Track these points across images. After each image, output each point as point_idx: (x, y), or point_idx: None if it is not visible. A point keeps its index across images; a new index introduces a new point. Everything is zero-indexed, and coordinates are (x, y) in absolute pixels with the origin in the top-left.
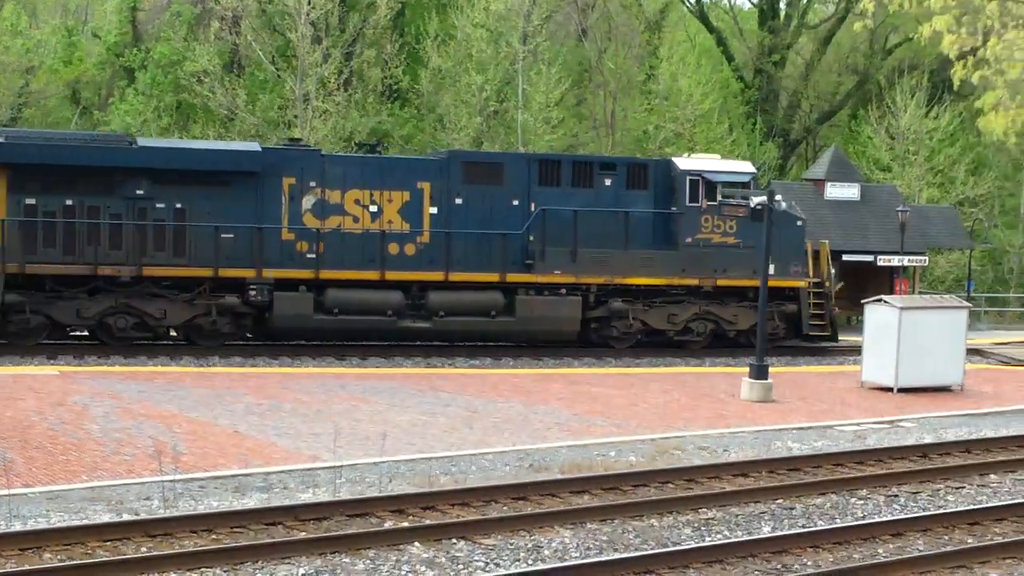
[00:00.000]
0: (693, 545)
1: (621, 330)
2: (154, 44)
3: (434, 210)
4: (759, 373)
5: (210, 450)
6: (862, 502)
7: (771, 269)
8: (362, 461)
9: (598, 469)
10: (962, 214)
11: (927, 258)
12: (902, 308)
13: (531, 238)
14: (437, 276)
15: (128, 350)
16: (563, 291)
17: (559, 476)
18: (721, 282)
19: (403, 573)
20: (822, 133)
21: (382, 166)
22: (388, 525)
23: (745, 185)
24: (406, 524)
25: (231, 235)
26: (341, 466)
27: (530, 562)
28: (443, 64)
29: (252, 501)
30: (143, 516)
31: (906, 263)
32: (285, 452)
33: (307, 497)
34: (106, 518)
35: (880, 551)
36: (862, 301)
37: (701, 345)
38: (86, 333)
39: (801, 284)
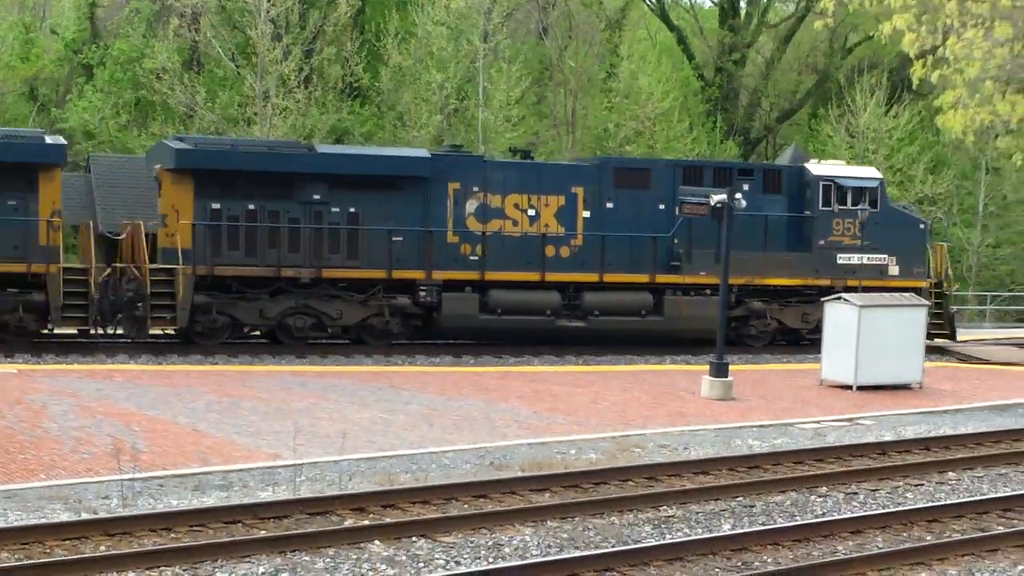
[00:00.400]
0: (653, 543)
1: (759, 329)
2: (113, 41)
3: (587, 214)
4: (719, 371)
5: (169, 448)
6: (822, 499)
7: (895, 271)
8: (322, 459)
9: (558, 467)
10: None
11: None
12: (861, 306)
13: (676, 240)
14: (592, 277)
15: (85, 348)
16: (707, 291)
17: (520, 474)
18: (851, 282)
19: (363, 571)
20: (782, 131)
21: (539, 172)
22: (348, 523)
23: (873, 190)
24: (366, 522)
25: (401, 238)
26: (301, 464)
27: (490, 560)
28: (403, 62)
29: (211, 499)
30: (102, 515)
31: (865, 261)
32: (245, 450)
33: (267, 495)
34: (64, 517)
35: (840, 548)
36: (822, 300)
37: None
38: (258, 333)
39: (923, 285)
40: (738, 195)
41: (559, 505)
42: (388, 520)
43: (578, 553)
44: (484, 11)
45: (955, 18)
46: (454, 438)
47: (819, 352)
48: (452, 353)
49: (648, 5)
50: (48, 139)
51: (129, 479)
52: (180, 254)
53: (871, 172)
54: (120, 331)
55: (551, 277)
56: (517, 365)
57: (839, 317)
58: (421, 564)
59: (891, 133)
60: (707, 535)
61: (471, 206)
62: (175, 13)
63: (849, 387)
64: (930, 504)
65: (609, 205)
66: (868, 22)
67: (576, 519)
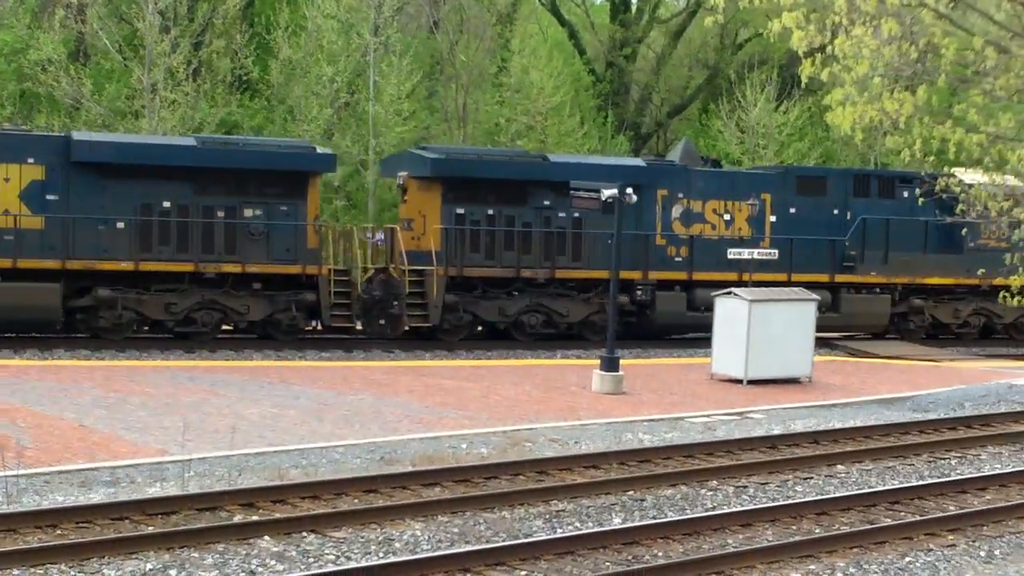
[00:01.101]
0: (544, 537)
1: (917, 323)
2: None
3: (773, 218)
4: (610, 365)
5: (55, 444)
6: (712, 493)
7: None
8: (211, 455)
9: (449, 461)
10: None
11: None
12: (751, 300)
13: (849, 243)
14: (782, 277)
15: None
16: (877, 290)
17: (410, 469)
18: (996, 281)
19: (252, 567)
20: (673, 127)
21: (733, 179)
22: (237, 519)
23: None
24: (256, 518)
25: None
26: (190, 460)
27: (381, 555)
28: (294, 55)
29: (98, 496)
30: None
31: (755, 255)
32: (132, 446)
33: (155, 491)
34: None
35: (730, 542)
36: (712, 294)
37: (972, 337)
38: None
39: None
40: (628, 190)
41: (450, 500)
42: (278, 515)
43: (469, 548)
44: (375, 5)
45: (844, 16)
46: (344, 433)
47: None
48: (343, 347)
49: (539, 0)
50: (319, 149)
51: (14, 475)
52: (434, 256)
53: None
54: (370, 328)
55: (746, 277)
56: (408, 360)
57: (729, 311)
58: (311, 559)
59: (781, 129)
60: (598, 529)
61: (676, 211)
62: (61, 4)
63: (739, 381)
64: (819, 497)
65: (792, 210)
66: (758, 19)
67: (467, 513)
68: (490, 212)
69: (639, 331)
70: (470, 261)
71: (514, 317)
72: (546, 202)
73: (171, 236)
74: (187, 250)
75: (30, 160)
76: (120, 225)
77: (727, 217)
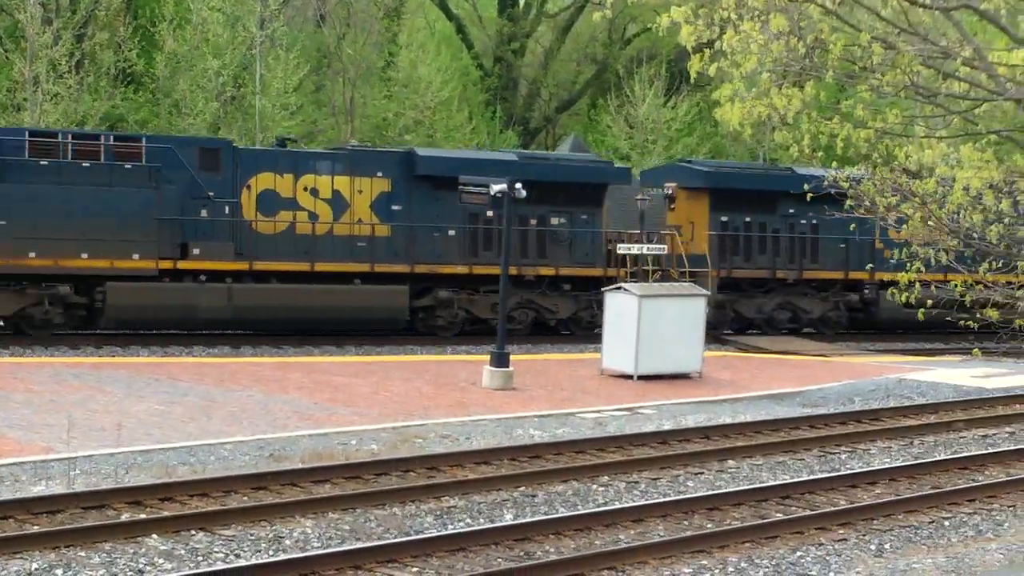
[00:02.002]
0: (435, 534)
1: None
2: None
3: None
4: (500, 361)
5: None
6: (603, 489)
7: None
8: (97, 452)
9: (339, 458)
10: None
11: (666, 247)
12: (641, 296)
13: None
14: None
15: None
16: None
17: (300, 466)
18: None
19: (140, 565)
20: (562, 122)
21: None
22: (125, 517)
23: None
24: (143, 516)
25: (843, 244)
26: (75, 457)
27: (271, 552)
28: (179, 48)
29: None
30: None
31: (646, 251)
32: (16, 444)
33: (39, 490)
34: None
35: (622, 537)
36: (602, 289)
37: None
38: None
39: None
40: (517, 184)
41: (340, 496)
42: (166, 513)
43: (360, 545)
44: None
45: (732, 11)
46: (233, 430)
47: None
48: (231, 343)
49: None
50: (616, 164)
51: None
52: (708, 259)
53: None
54: None
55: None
56: (297, 356)
57: (619, 307)
58: (200, 558)
59: (670, 124)
60: (489, 525)
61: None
62: None
63: (630, 377)
64: (710, 492)
65: None
66: (646, 14)
67: (357, 510)
68: (747, 219)
69: (864, 325)
70: (734, 264)
71: (768, 314)
72: (791, 210)
73: (493, 242)
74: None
75: (379, 174)
76: (451, 232)
77: None
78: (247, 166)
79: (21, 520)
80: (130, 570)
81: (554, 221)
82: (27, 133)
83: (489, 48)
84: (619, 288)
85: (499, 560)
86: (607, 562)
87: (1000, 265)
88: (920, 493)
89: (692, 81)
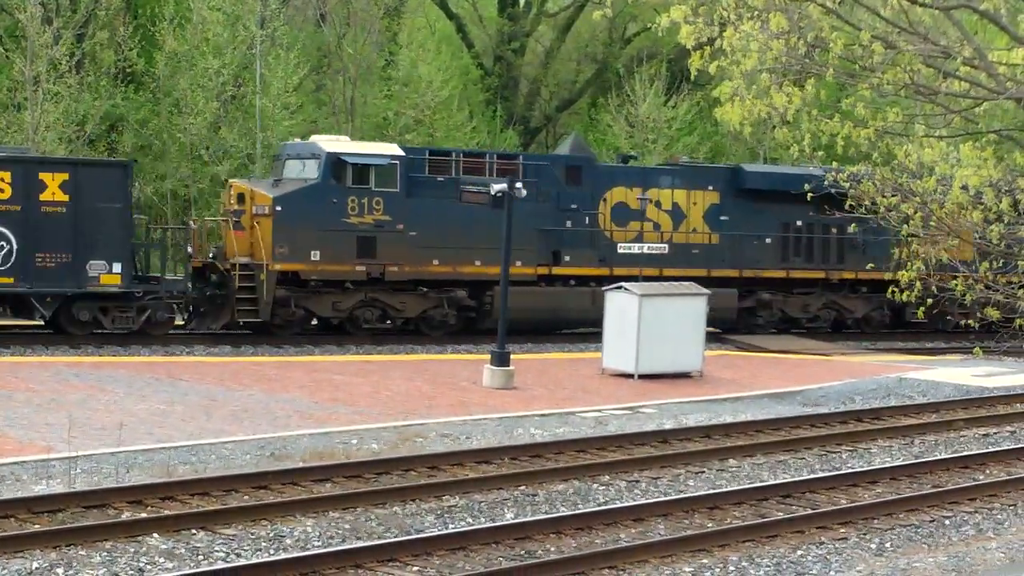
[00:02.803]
0: (436, 533)
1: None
2: None
3: None
4: (500, 360)
5: None
6: (604, 488)
7: None
8: (98, 451)
9: (340, 457)
10: None
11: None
12: (642, 295)
13: None
14: None
15: None
16: None
17: (301, 465)
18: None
19: (141, 565)
20: (562, 121)
21: None
22: (126, 516)
23: None
24: (144, 515)
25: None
26: (76, 457)
27: (272, 551)
28: (179, 47)
29: None
30: None
31: (646, 250)
32: (17, 443)
33: (41, 489)
34: None
35: (622, 536)
36: (602, 289)
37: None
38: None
39: None
40: (518, 184)
41: (341, 496)
42: (166, 513)
43: (361, 544)
44: None
45: (732, 11)
46: (234, 429)
47: None
48: (231, 343)
49: None
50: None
51: None
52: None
53: None
54: None
55: None
56: (298, 355)
57: (620, 306)
58: (200, 557)
59: (670, 123)
60: (489, 524)
61: None
62: None
63: (630, 376)
64: (711, 491)
65: None
66: (647, 13)
67: (358, 509)
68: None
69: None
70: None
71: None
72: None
73: (802, 248)
74: (812, 260)
75: (709, 187)
76: (768, 240)
77: None
78: (603, 181)
79: (22, 519)
80: (131, 569)
81: (850, 229)
82: (427, 152)
83: (489, 47)
84: (619, 287)
85: (500, 559)
86: (608, 561)
87: (1001, 264)
88: (921, 492)
89: (692, 80)
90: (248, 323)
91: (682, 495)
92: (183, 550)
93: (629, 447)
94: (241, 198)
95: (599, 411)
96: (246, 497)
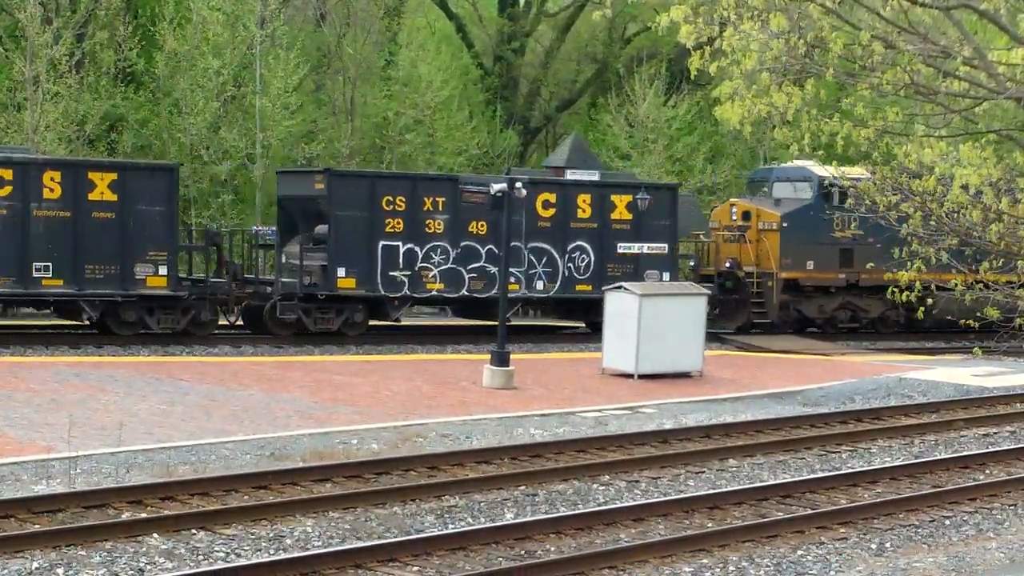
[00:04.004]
0: (436, 533)
1: None
2: None
3: None
4: (500, 360)
5: None
6: (604, 488)
7: None
8: (98, 452)
9: (340, 457)
10: (701, 202)
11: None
12: (642, 295)
13: None
14: None
15: None
16: None
17: (301, 464)
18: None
19: (141, 565)
20: (562, 121)
21: None
22: (125, 516)
23: None
24: (144, 515)
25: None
26: (76, 457)
27: (272, 551)
28: (179, 47)
29: None
30: None
31: (645, 250)
32: (17, 443)
33: (41, 489)
34: None
35: (622, 536)
36: (603, 288)
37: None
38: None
39: None
40: (518, 184)
41: (341, 496)
42: (167, 513)
43: (361, 544)
44: None
45: (732, 10)
46: (234, 429)
47: None
48: (231, 343)
49: None
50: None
51: None
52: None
53: None
54: None
55: None
56: (298, 355)
57: (620, 306)
58: (201, 557)
59: (670, 123)
60: (489, 524)
61: None
62: None
63: (630, 376)
64: (711, 491)
65: None
66: (646, 13)
67: (358, 509)
68: None
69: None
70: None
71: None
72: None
73: None
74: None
75: None
76: None
77: None
78: None
79: (22, 519)
80: (131, 569)
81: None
82: None
83: (489, 47)
84: (619, 287)
85: (500, 559)
86: (608, 561)
87: (1000, 264)
88: (921, 492)
89: (692, 80)
90: (247, 325)
91: (682, 495)
92: (183, 550)
93: (629, 447)
94: (747, 215)
95: (599, 411)
96: (246, 497)
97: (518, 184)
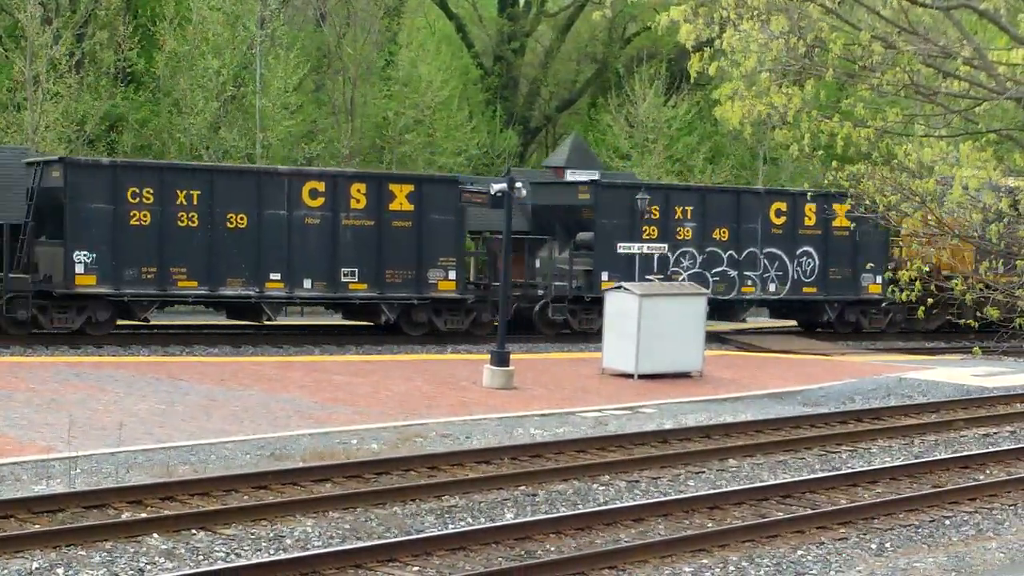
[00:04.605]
0: (436, 533)
1: None
2: None
3: None
4: (500, 360)
5: None
6: (604, 488)
7: None
8: (98, 452)
9: (340, 457)
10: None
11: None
12: (641, 295)
13: None
14: None
15: None
16: None
17: (301, 464)
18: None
19: (141, 565)
20: (562, 121)
21: None
22: (125, 516)
23: None
24: (144, 515)
25: None
26: (76, 457)
27: (272, 551)
28: (179, 47)
29: None
30: None
31: (645, 251)
32: (17, 443)
33: (41, 489)
34: None
35: (622, 536)
36: (603, 289)
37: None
38: None
39: None
40: (518, 184)
41: (341, 496)
42: (166, 513)
43: (361, 544)
44: None
45: (732, 10)
46: (234, 429)
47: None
48: (231, 343)
49: None
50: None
51: None
52: None
53: None
54: None
55: None
56: (298, 355)
57: (620, 306)
58: (201, 557)
59: (670, 123)
60: (489, 524)
61: None
62: None
63: (630, 376)
64: (711, 491)
65: None
66: (646, 13)
67: (358, 509)
68: None
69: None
70: None
71: None
72: None
73: None
74: None
75: None
76: None
77: None
78: None
79: (22, 519)
80: (131, 569)
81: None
82: None
83: (489, 47)
84: (619, 287)
85: (500, 559)
86: (608, 561)
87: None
88: (921, 492)
89: (692, 80)
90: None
91: (682, 495)
92: (183, 550)
93: (629, 447)
94: None
95: (599, 411)
96: (246, 497)
97: (518, 184)
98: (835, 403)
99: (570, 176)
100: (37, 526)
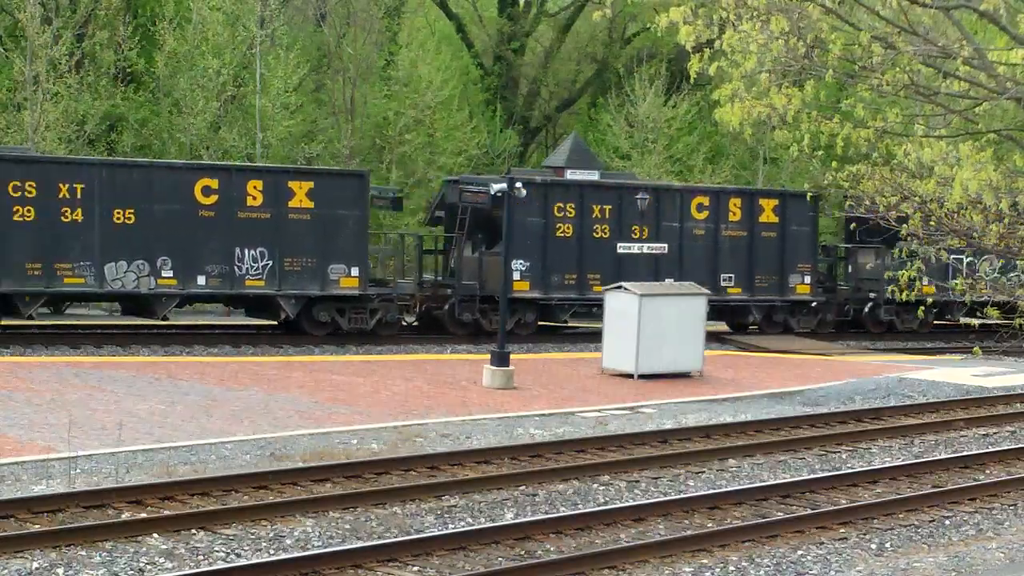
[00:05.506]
0: (436, 533)
1: None
2: None
3: None
4: (500, 360)
5: None
6: (604, 488)
7: None
8: (98, 452)
9: (340, 457)
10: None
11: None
12: (641, 295)
13: None
14: None
15: None
16: None
17: (300, 464)
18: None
19: (141, 565)
20: (562, 120)
21: None
22: (125, 516)
23: None
24: (144, 515)
25: None
26: (76, 457)
27: (272, 551)
28: (179, 47)
29: None
30: None
31: (646, 250)
32: (17, 443)
33: (41, 489)
34: None
35: (622, 536)
36: (603, 288)
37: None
38: None
39: None
40: (518, 184)
41: (341, 496)
42: (166, 513)
43: (361, 544)
44: None
45: (731, 11)
46: (234, 429)
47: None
48: (231, 343)
49: None
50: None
51: None
52: None
53: None
54: None
55: None
56: (298, 355)
57: (620, 306)
58: (200, 557)
59: (670, 123)
60: (489, 524)
61: None
62: None
63: (630, 376)
64: (711, 491)
65: None
66: (646, 13)
67: (358, 509)
68: None
69: None
70: None
71: None
72: None
73: None
74: None
75: None
76: None
77: None
78: None
79: (22, 519)
80: (131, 569)
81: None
82: None
83: (489, 47)
84: (619, 287)
85: (500, 559)
86: (608, 561)
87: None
88: (921, 492)
89: (692, 80)
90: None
91: (682, 495)
92: (183, 550)
93: (629, 447)
94: None
95: (599, 411)
96: (246, 497)
97: (518, 184)
98: (835, 403)
99: (569, 175)
100: (37, 526)
